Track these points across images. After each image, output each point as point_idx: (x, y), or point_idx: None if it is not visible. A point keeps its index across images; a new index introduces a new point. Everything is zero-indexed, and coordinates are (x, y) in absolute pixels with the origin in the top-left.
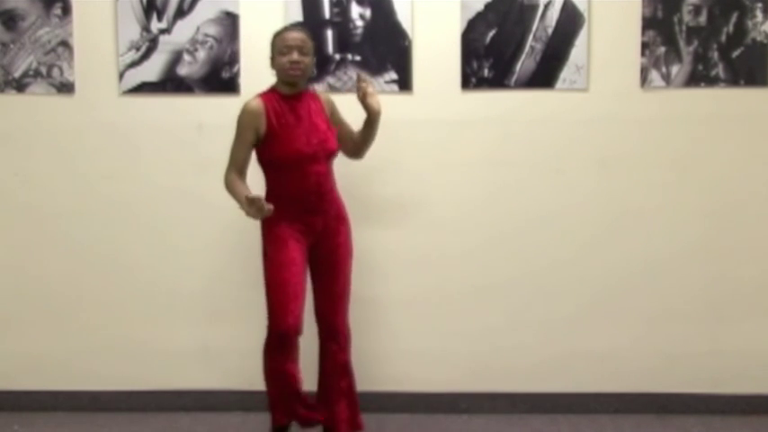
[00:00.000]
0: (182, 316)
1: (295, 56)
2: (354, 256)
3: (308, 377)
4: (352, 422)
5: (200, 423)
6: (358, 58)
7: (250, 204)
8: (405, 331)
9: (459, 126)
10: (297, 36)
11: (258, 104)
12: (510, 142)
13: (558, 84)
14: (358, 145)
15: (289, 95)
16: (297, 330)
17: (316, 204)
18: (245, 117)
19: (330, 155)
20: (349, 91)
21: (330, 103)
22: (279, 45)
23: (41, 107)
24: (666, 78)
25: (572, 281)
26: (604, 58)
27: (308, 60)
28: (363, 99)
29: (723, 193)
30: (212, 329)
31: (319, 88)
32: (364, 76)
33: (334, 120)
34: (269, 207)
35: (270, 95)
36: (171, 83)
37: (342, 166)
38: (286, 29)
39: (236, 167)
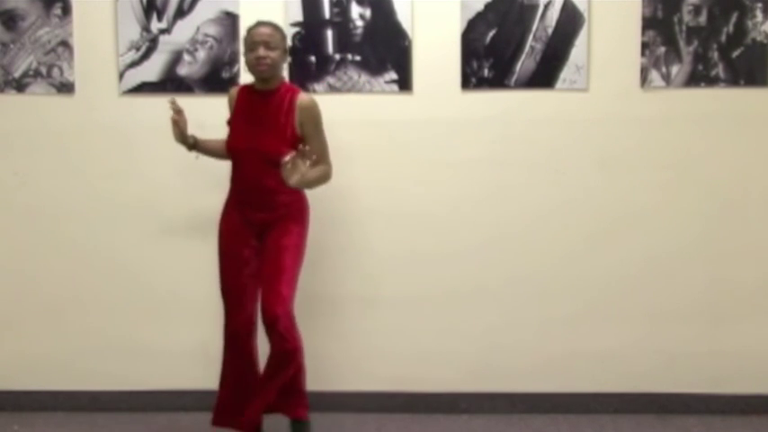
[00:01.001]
0: (182, 316)
1: (261, 51)
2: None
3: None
4: (294, 415)
5: (200, 423)
6: (358, 58)
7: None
8: (404, 331)
9: (459, 126)
10: (263, 31)
11: (233, 92)
12: (510, 142)
13: (558, 84)
14: None
15: (260, 91)
16: (246, 331)
17: (256, 200)
18: (227, 101)
19: (268, 159)
20: (349, 91)
21: (307, 112)
22: (247, 41)
23: (41, 107)
24: (666, 78)
25: (572, 281)
26: (604, 58)
27: (276, 55)
28: (287, 172)
29: (723, 193)
30: (212, 329)
31: (305, 95)
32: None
33: (303, 130)
34: (178, 118)
35: (246, 87)
36: (171, 83)
37: (341, 166)
38: (255, 25)
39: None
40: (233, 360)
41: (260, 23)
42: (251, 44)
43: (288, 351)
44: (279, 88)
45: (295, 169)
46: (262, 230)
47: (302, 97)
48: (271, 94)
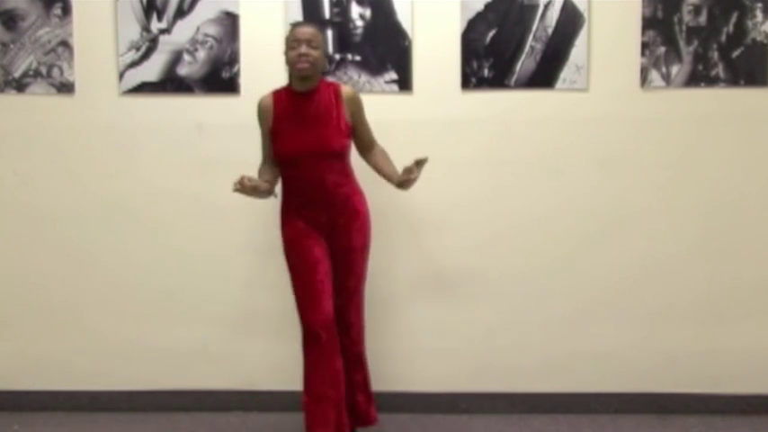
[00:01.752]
0: (182, 316)
1: (303, 49)
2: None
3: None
4: (367, 415)
5: (200, 423)
6: (358, 58)
7: (240, 185)
8: (404, 331)
9: (459, 126)
10: (306, 30)
11: (267, 100)
12: (510, 142)
13: (558, 84)
14: (372, 164)
15: (300, 92)
16: (324, 328)
17: (318, 199)
18: (257, 113)
19: (331, 154)
20: None
21: (353, 102)
22: (289, 40)
23: (41, 107)
24: (666, 78)
25: (572, 281)
26: (604, 58)
27: (317, 54)
28: (402, 183)
29: (723, 193)
30: (212, 329)
31: (347, 86)
32: (417, 168)
33: (354, 119)
34: (255, 184)
35: (281, 92)
36: (171, 83)
37: None
38: (296, 25)
39: (265, 161)
40: (318, 362)
41: (302, 23)
42: (292, 42)
43: (360, 355)
44: (320, 86)
45: (413, 180)
46: (329, 229)
47: (345, 89)
48: (315, 93)
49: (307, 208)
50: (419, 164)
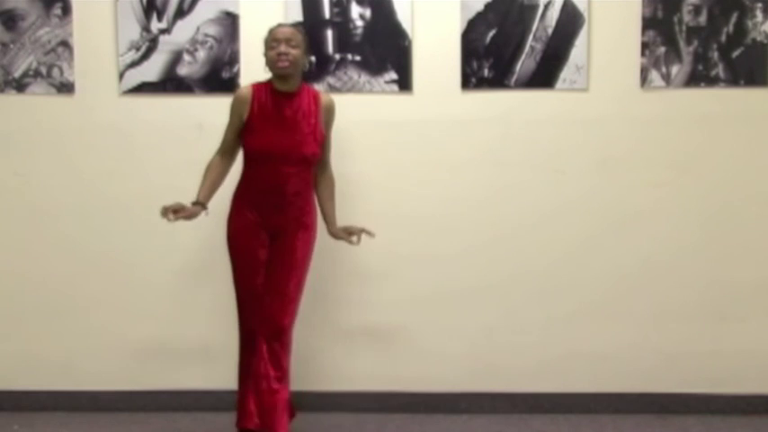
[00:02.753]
0: (182, 316)
1: (282, 48)
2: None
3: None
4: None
5: (201, 423)
6: (358, 58)
7: (166, 208)
8: (404, 331)
9: (459, 126)
10: (285, 30)
11: (247, 92)
12: (510, 142)
13: (558, 84)
14: (317, 191)
15: (281, 91)
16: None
17: (275, 202)
18: (233, 102)
19: (303, 159)
20: (349, 91)
21: (329, 112)
22: (268, 40)
23: (41, 107)
24: (666, 78)
25: (572, 281)
26: (604, 58)
27: (297, 53)
28: (336, 236)
29: (723, 193)
30: (212, 329)
31: (322, 90)
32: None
33: (326, 129)
34: (170, 216)
35: (262, 86)
36: (171, 83)
37: (341, 166)
38: (275, 25)
39: (223, 149)
40: (251, 360)
41: (282, 24)
42: (272, 42)
43: (285, 366)
44: (302, 89)
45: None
46: (276, 232)
47: (324, 97)
48: (297, 96)
49: (260, 206)
50: (368, 233)
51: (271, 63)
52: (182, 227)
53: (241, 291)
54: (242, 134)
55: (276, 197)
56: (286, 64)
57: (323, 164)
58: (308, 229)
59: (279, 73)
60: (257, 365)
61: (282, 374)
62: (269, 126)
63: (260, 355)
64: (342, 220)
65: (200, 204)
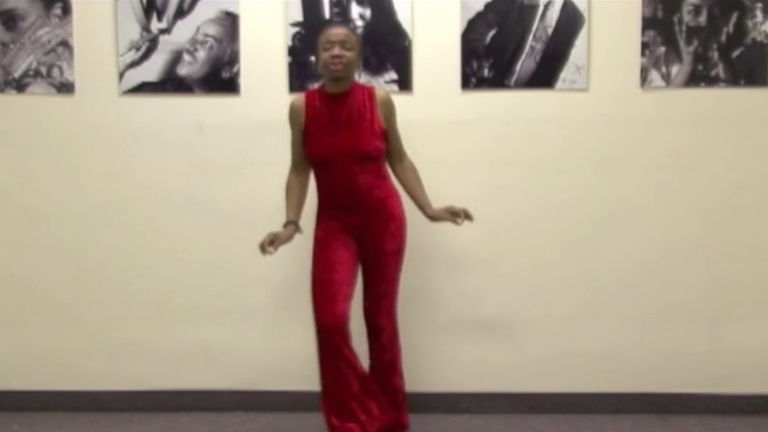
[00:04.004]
0: (182, 316)
1: (336, 50)
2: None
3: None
4: (394, 423)
5: (200, 423)
6: None
7: (262, 244)
8: (404, 331)
9: (459, 126)
10: (339, 32)
11: (300, 101)
12: (510, 142)
13: (558, 84)
14: (402, 180)
15: (334, 94)
16: (336, 330)
17: (351, 202)
18: (289, 114)
19: (365, 155)
20: None
21: (387, 105)
22: (322, 42)
23: (41, 107)
24: (666, 78)
25: (571, 280)
26: (604, 58)
27: (351, 55)
28: (437, 218)
29: (722, 192)
30: (212, 329)
31: (381, 89)
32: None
33: (387, 124)
34: (270, 249)
35: (314, 93)
36: (171, 83)
37: None
38: (328, 26)
39: (294, 164)
40: (330, 361)
41: (334, 24)
42: (326, 44)
43: (390, 361)
44: (354, 88)
45: (449, 221)
46: (361, 232)
47: (380, 92)
48: (349, 95)
49: (339, 210)
50: (467, 217)
51: (325, 65)
52: (181, 227)
53: (317, 286)
54: (304, 144)
55: (352, 197)
56: (339, 67)
57: (397, 154)
58: (393, 218)
59: (332, 76)
60: (344, 368)
61: (384, 373)
62: (325, 130)
63: (342, 356)
64: None
65: (293, 224)
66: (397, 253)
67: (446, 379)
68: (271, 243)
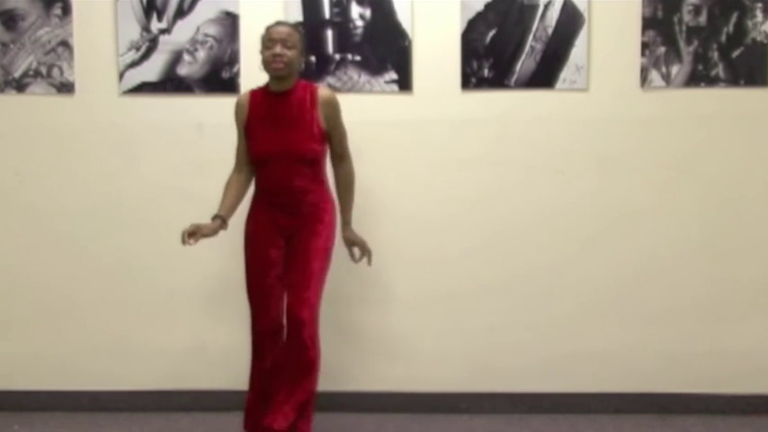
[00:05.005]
0: (181, 316)
1: (278, 49)
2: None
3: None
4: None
5: (200, 423)
6: (358, 58)
7: (183, 233)
8: (404, 331)
9: (459, 126)
10: (281, 30)
11: (244, 98)
12: (510, 142)
13: (558, 84)
14: (336, 185)
15: (276, 92)
16: (272, 331)
17: (284, 202)
18: (234, 111)
19: (302, 157)
20: (349, 91)
21: (328, 105)
22: (264, 40)
23: (41, 107)
24: (666, 78)
25: (572, 281)
26: (604, 58)
27: (292, 54)
28: (346, 240)
29: (723, 193)
30: (212, 329)
31: (324, 88)
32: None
33: (328, 124)
34: (190, 241)
35: (258, 91)
36: (171, 83)
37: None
38: (272, 24)
39: (237, 161)
40: (259, 362)
41: (278, 23)
42: (267, 42)
43: (309, 360)
44: (296, 87)
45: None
46: (290, 233)
47: (322, 91)
48: (290, 94)
49: (273, 207)
50: (368, 259)
51: (265, 63)
52: (181, 227)
53: (251, 289)
54: (246, 141)
55: (285, 197)
56: (280, 66)
57: (338, 158)
58: (322, 223)
59: (273, 74)
60: (270, 366)
61: (300, 375)
62: (265, 128)
63: (273, 355)
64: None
65: (221, 219)
66: (323, 250)
67: (446, 379)
68: (191, 234)
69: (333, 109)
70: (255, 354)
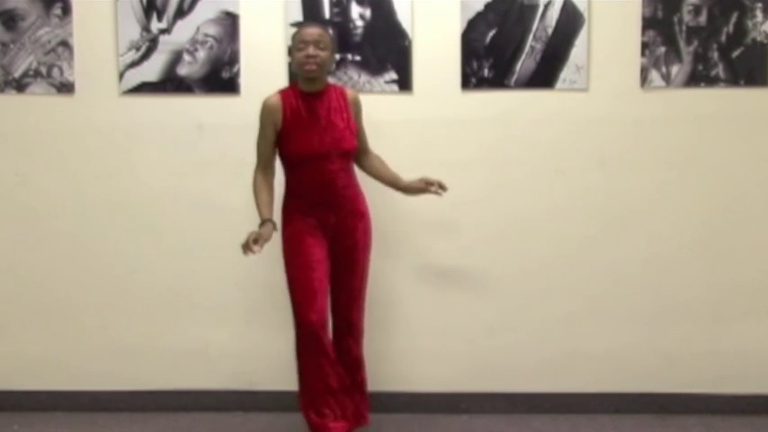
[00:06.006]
0: (182, 316)
1: (311, 50)
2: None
3: None
4: (362, 417)
5: (200, 423)
6: (358, 58)
7: (245, 244)
8: (404, 331)
9: (459, 126)
10: (313, 31)
11: (276, 101)
12: (510, 142)
13: (558, 84)
14: (370, 168)
15: (308, 92)
16: (320, 325)
17: (328, 200)
18: (263, 113)
19: (345, 153)
20: None
21: (357, 105)
22: (296, 41)
23: (41, 107)
24: (666, 78)
25: (572, 281)
26: (604, 58)
27: (325, 55)
28: (412, 189)
29: (723, 192)
30: (212, 329)
31: (349, 89)
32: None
33: (357, 121)
34: (255, 249)
35: (289, 92)
36: (171, 83)
37: None
38: (303, 25)
39: (262, 163)
40: (312, 358)
41: (309, 23)
42: (300, 43)
43: (360, 356)
44: (328, 87)
45: (425, 192)
46: (335, 230)
47: (350, 92)
48: (325, 94)
49: (313, 208)
50: (441, 187)
51: (299, 65)
52: (181, 227)
53: (298, 285)
54: (279, 143)
55: (328, 195)
56: (314, 67)
57: (364, 152)
58: (363, 216)
59: (306, 75)
60: (325, 364)
61: (355, 367)
62: (305, 128)
63: (325, 353)
64: None
65: (271, 222)
66: (367, 248)
67: (446, 379)
68: (255, 242)
69: (359, 108)
70: (307, 350)
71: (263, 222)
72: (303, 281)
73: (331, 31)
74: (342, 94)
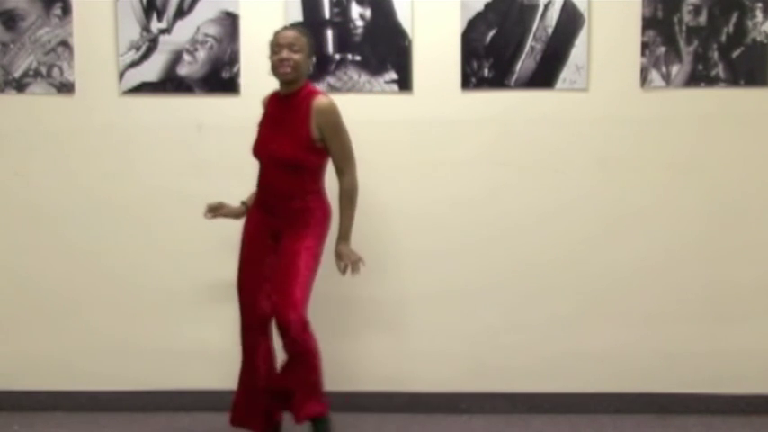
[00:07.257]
0: (181, 316)
1: (284, 54)
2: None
3: None
4: (314, 413)
5: (200, 423)
6: (358, 58)
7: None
8: (404, 331)
9: (459, 126)
10: (288, 34)
11: (264, 100)
12: (510, 142)
13: (558, 84)
14: (339, 190)
15: (284, 95)
16: (256, 327)
17: (271, 205)
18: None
19: (284, 164)
20: (349, 91)
21: (321, 115)
22: (272, 44)
23: (41, 107)
24: (666, 78)
25: (572, 281)
26: (604, 58)
27: (299, 58)
28: (342, 263)
29: (723, 193)
30: (212, 329)
31: (324, 97)
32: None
33: (323, 134)
34: (208, 215)
35: (275, 93)
36: (171, 83)
37: None
38: (280, 29)
39: None
40: (248, 358)
41: (286, 27)
42: (275, 46)
43: (300, 353)
44: (299, 91)
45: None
46: (278, 233)
47: (319, 99)
48: (292, 98)
49: (263, 207)
50: (353, 268)
51: (273, 68)
52: (181, 227)
53: (239, 286)
54: None
55: (273, 200)
56: (288, 70)
57: (338, 171)
58: (310, 225)
59: (281, 78)
60: (258, 364)
61: (299, 366)
62: (266, 129)
63: (259, 353)
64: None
65: (244, 204)
66: (308, 249)
67: (446, 379)
68: (213, 209)
69: (325, 119)
70: (245, 349)
71: (242, 202)
72: (245, 282)
73: (329, 32)
74: (309, 101)
